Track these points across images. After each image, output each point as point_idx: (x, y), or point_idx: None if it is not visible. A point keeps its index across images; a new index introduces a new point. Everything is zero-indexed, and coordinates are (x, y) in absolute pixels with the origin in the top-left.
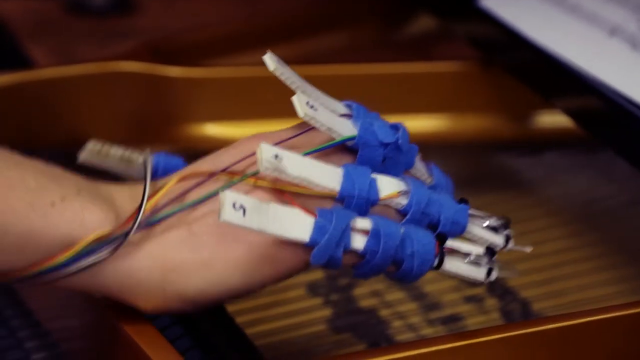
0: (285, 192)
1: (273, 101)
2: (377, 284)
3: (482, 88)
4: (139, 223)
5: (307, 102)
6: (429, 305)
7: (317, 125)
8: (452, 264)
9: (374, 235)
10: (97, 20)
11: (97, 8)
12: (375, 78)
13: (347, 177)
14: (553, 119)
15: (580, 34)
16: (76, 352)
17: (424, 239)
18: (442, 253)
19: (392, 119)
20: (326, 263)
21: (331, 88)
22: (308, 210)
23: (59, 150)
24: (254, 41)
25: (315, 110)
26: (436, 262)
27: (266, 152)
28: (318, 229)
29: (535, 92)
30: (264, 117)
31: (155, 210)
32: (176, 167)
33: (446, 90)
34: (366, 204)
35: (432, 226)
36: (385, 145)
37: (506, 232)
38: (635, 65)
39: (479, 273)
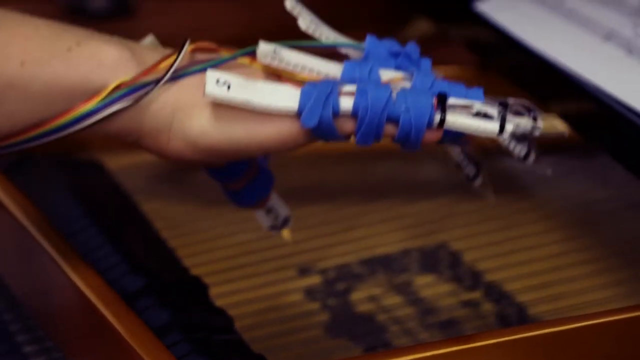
0: (281, 76)
1: None
2: (374, 288)
3: None
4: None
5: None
6: (425, 310)
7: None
8: (456, 118)
9: (360, 92)
10: (96, 24)
11: (96, 11)
12: None
13: (348, 66)
14: (549, 124)
15: (575, 39)
16: (73, 356)
17: (419, 95)
18: (444, 109)
19: None
20: (319, 127)
21: None
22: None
23: (57, 155)
24: (254, 45)
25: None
26: (438, 118)
27: (263, 47)
28: (305, 94)
29: (531, 96)
30: None
31: (178, 68)
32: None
33: None
34: None
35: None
36: (396, 55)
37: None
38: (630, 70)
39: (490, 125)
